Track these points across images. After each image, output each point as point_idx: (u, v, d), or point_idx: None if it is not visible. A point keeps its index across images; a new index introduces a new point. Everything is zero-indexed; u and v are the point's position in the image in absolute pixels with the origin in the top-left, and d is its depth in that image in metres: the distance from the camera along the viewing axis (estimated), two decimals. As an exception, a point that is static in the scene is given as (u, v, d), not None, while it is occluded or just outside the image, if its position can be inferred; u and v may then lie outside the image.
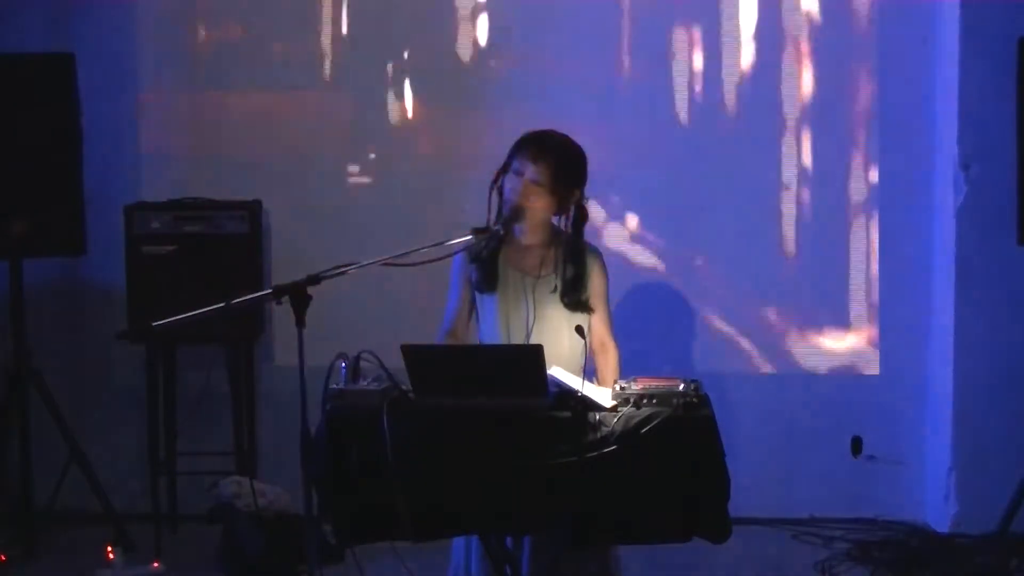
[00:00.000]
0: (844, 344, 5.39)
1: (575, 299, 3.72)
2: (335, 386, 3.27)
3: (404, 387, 3.26)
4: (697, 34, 5.32)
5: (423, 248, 3.44)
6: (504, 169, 3.72)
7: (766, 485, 5.28)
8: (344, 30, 5.43)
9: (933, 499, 5.29)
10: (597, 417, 3.19)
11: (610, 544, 3.59)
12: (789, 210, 5.37)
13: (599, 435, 3.16)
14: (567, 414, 3.20)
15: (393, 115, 5.44)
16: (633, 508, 3.18)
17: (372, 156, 5.48)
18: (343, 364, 3.27)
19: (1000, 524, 4.83)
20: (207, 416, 5.17)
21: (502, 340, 3.70)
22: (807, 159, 5.36)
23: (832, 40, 5.33)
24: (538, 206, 3.67)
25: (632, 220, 5.38)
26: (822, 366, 5.40)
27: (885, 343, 5.37)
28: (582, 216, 3.76)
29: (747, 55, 5.32)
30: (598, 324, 3.78)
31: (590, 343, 3.64)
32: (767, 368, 5.40)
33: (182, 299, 4.86)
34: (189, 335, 4.96)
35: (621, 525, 3.23)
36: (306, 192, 5.45)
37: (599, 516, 3.19)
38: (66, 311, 5.49)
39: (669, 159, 5.36)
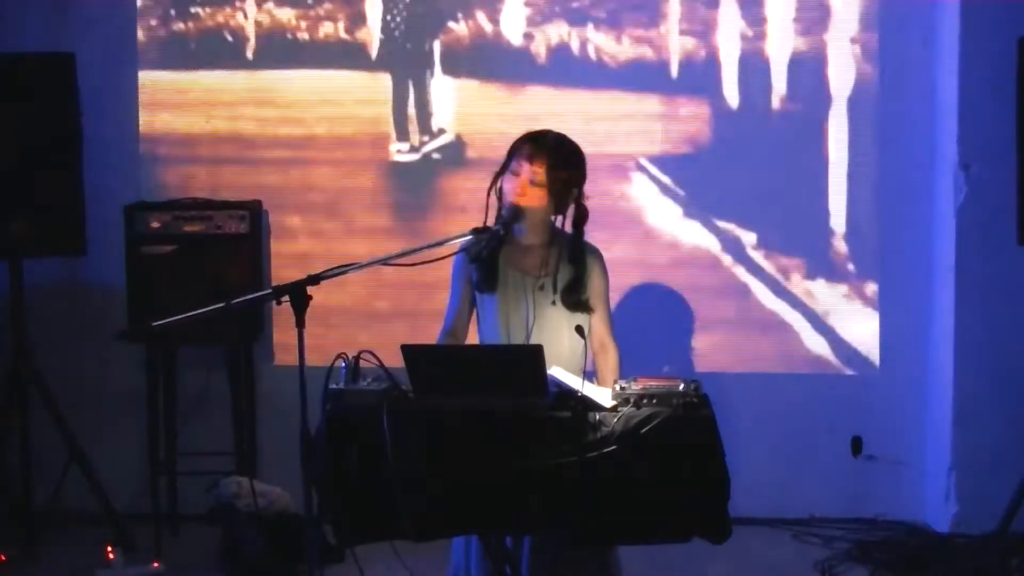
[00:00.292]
0: (844, 344, 5.39)
1: (575, 299, 3.72)
2: (335, 386, 3.27)
3: (404, 387, 3.26)
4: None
5: (423, 248, 3.44)
6: (502, 171, 3.72)
7: (766, 485, 5.29)
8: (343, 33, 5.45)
9: (933, 499, 5.29)
10: (597, 417, 3.19)
11: (610, 544, 3.60)
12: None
13: (599, 435, 3.16)
14: (567, 414, 3.19)
15: (393, 114, 5.46)
16: (633, 508, 3.18)
17: (373, 155, 5.48)
18: (343, 364, 3.27)
19: (1000, 524, 4.83)
20: (207, 416, 5.18)
21: (502, 340, 3.70)
22: (808, 159, 5.37)
23: (832, 39, 5.34)
24: (537, 206, 3.67)
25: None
26: (822, 366, 5.40)
27: (885, 343, 5.37)
28: (582, 214, 3.76)
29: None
30: (598, 324, 3.78)
31: (590, 343, 3.64)
32: (767, 368, 5.40)
33: (182, 299, 4.90)
34: (189, 335, 4.96)
35: (621, 525, 3.22)
36: (306, 192, 5.45)
37: (599, 516, 3.19)
38: (66, 311, 5.49)
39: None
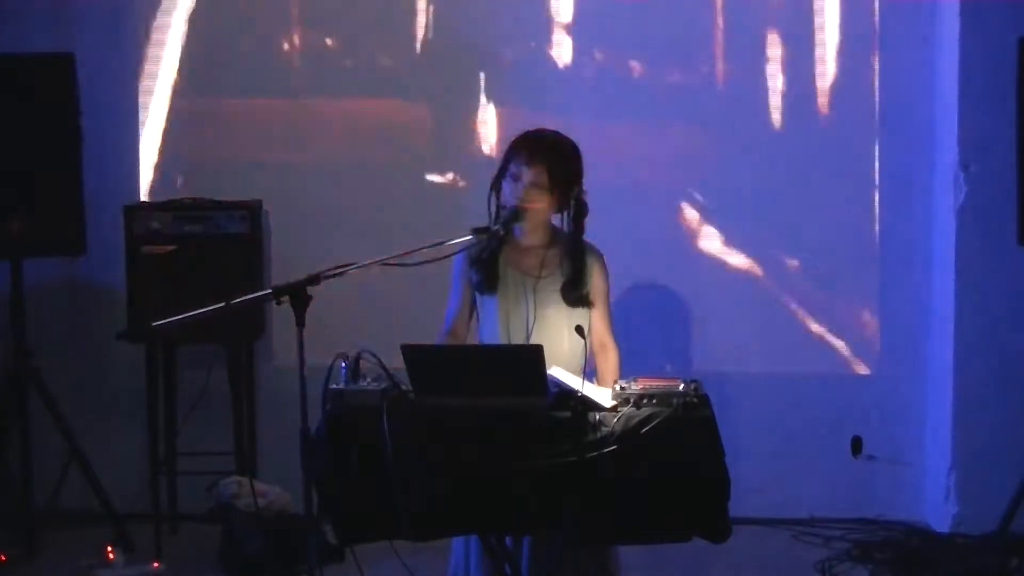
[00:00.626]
0: (844, 344, 5.39)
1: (575, 295, 3.72)
2: (335, 386, 3.27)
3: (404, 387, 3.26)
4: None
5: (423, 248, 3.44)
6: (501, 173, 3.72)
7: (766, 485, 5.29)
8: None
9: (933, 499, 5.29)
10: (597, 417, 3.19)
11: (610, 544, 3.60)
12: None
13: (599, 435, 3.16)
14: (567, 414, 3.20)
15: (394, 115, 5.46)
16: (633, 508, 3.18)
17: (372, 155, 5.48)
18: (343, 364, 3.27)
19: (1000, 524, 4.83)
20: (207, 416, 5.17)
21: (502, 340, 3.70)
22: (806, 158, 5.38)
23: (832, 39, 5.34)
24: (538, 207, 3.67)
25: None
26: (822, 366, 5.40)
27: (885, 343, 5.37)
28: (582, 211, 3.75)
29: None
30: (598, 324, 3.78)
31: (590, 343, 3.64)
32: (767, 368, 5.40)
33: (182, 299, 4.90)
34: (189, 335, 4.96)
35: (621, 525, 3.22)
36: (306, 192, 5.45)
37: (599, 516, 3.19)
38: (66, 311, 5.49)
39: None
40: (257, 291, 3.71)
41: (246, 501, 4.72)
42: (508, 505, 3.21)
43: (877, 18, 5.30)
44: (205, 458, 5.16)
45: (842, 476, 5.39)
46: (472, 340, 3.84)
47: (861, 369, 5.40)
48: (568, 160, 3.72)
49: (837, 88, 5.35)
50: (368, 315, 5.32)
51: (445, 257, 3.56)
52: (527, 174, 3.65)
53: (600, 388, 3.39)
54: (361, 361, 3.28)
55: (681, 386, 3.22)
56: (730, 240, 5.38)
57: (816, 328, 5.40)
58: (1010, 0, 5.00)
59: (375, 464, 3.18)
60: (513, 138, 3.77)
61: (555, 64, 5.38)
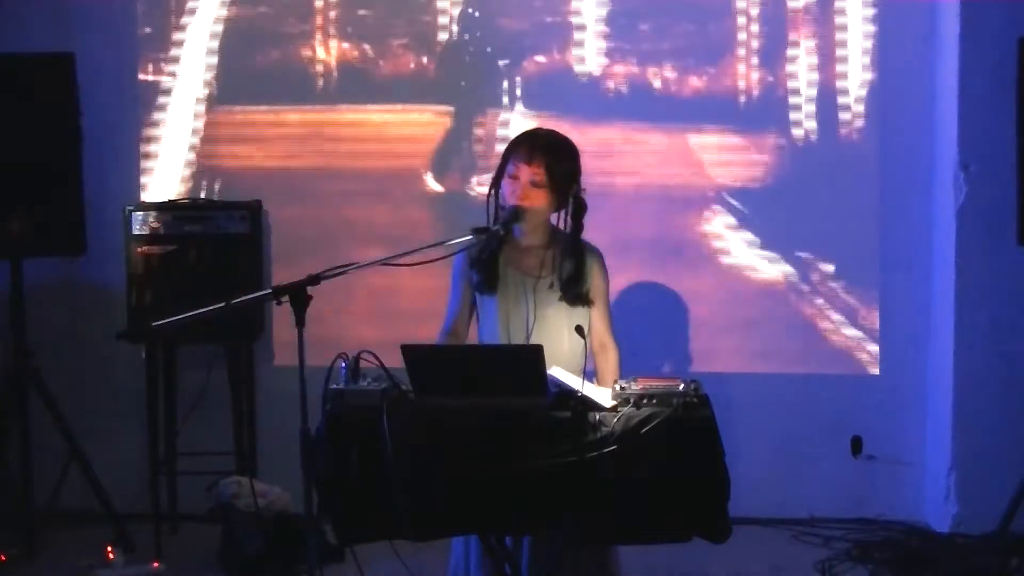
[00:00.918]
0: (844, 344, 5.39)
1: (575, 293, 3.72)
2: (335, 386, 3.27)
3: (404, 387, 3.26)
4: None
5: (423, 248, 3.44)
6: (500, 173, 3.72)
7: (766, 485, 5.29)
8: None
9: (933, 499, 5.29)
10: (597, 417, 3.19)
11: (610, 544, 3.60)
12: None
13: (599, 435, 3.16)
14: (567, 414, 3.19)
15: (394, 115, 5.46)
16: (633, 508, 3.18)
17: (372, 154, 5.48)
18: (343, 364, 3.27)
19: (1000, 524, 4.83)
20: (207, 416, 5.17)
21: (502, 341, 3.70)
22: (806, 158, 5.38)
23: (832, 40, 5.34)
24: (538, 206, 3.67)
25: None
26: (822, 366, 5.40)
27: (885, 343, 5.37)
28: (580, 208, 3.75)
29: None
30: (598, 324, 3.78)
31: (590, 343, 3.64)
32: (767, 368, 5.40)
33: (182, 299, 4.91)
34: (189, 335, 4.97)
35: (621, 525, 3.22)
36: (306, 192, 5.45)
37: (599, 516, 3.19)
38: (66, 311, 5.49)
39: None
40: (257, 291, 3.71)
41: (246, 501, 4.72)
42: (508, 505, 3.21)
43: (877, 18, 5.30)
44: (205, 458, 5.16)
45: (842, 476, 5.39)
46: (472, 340, 3.84)
47: (861, 369, 5.40)
48: (566, 158, 3.72)
49: (837, 88, 5.36)
50: (368, 315, 5.32)
51: (445, 257, 3.56)
52: (526, 172, 3.65)
53: (600, 388, 3.39)
54: (361, 361, 3.28)
55: (681, 386, 3.22)
56: (730, 240, 5.38)
57: (816, 328, 5.40)
58: (1010, 0, 5.00)
59: (375, 464, 3.18)
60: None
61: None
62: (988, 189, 5.03)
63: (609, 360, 3.80)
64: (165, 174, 5.46)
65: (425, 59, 5.42)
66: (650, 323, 5.36)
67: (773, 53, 5.35)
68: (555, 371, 3.29)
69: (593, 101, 5.37)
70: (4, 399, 4.99)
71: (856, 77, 5.34)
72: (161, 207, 5.09)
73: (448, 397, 3.22)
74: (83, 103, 4.96)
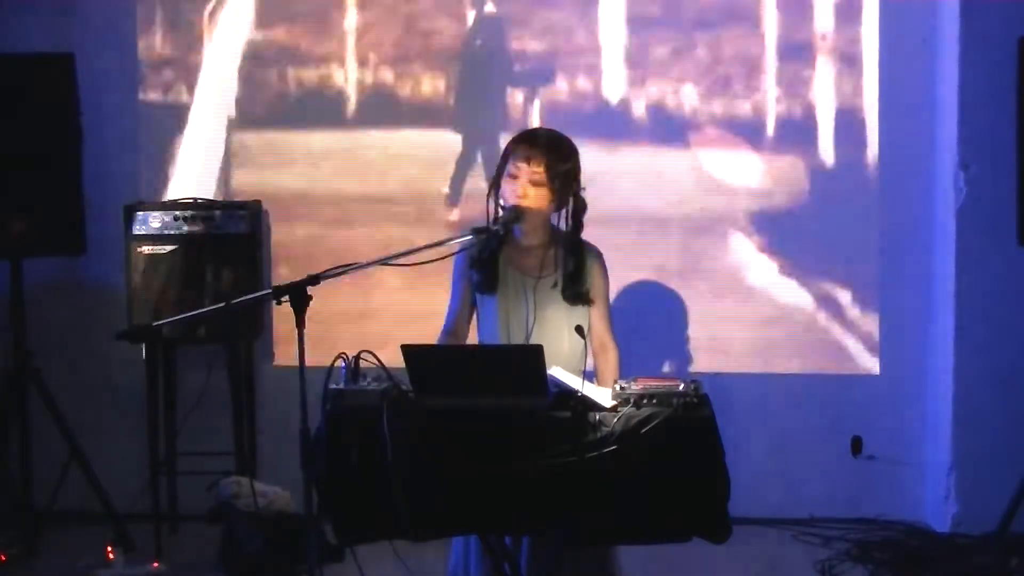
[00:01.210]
0: (844, 343, 5.39)
1: (575, 291, 3.72)
2: (335, 386, 3.26)
3: (404, 387, 3.26)
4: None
5: (423, 248, 3.44)
6: (499, 174, 3.72)
7: (766, 485, 5.29)
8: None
9: (933, 499, 5.29)
10: (597, 417, 3.19)
11: (610, 544, 3.60)
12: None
13: (599, 435, 3.16)
14: (567, 414, 3.19)
15: (392, 113, 5.47)
16: (633, 508, 3.18)
17: (374, 154, 5.48)
18: (343, 364, 3.27)
19: (1000, 524, 4.83)
20: (207, 416, 5.17)
21: (502, 341, 3.70)
22: (806, 158, 5.38)
23: (833, 39, 5.34)
24: (538, 206, 3.67)
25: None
26: (822, 366, 5.39)
27: (885, 343, 5.37)
28: (580, 206, 3.75)
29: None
30: (598, 324, 3.78)
31: (590, 343, 3.64)
32: (767, 368, 5.40)
33: (182, 299, 4.92)
34: (189, 335, 4.97)
35: (621, 525, 3.22)
36: (306, 192, 5.44)
37: (599, 516, 3.19)
38: (66, 311, 5.49)
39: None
40: (257, 291, 3.71)
41: (246, 501, 4.71)
42: (508, 505, 3.20)
43: (878, 18, 5.30)
44: (205, 458, 5.16)
45: (842, 476, 5.39)
46: (472, 340, 3.84)
47: (861, 369, 5.40)
48: (566, 156, 3.72)
49: (837, 88, 5.36)
50: (368, 315, 5.32)
51: (445, 257, 3.56)
52: (525, 171, 3.65)
53: (600, 388, 3.39)
54: (361, 361, 3.28)
55: (681, 386, 3.22)
56: (730, 240, 5.38)
57: (816, 328, 5.40)
58: (1010, 0, 5.00)
59: (375, 464, 3.18)
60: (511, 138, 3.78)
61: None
62: (988, 189, 5.03)
63: (609, 360, 3.80)
64: (167, 174, 5.47)
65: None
66: (650, 323, 5.36)
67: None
68: (555, 371, 3.29)
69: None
70: (4, 399, 4.99)
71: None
72: (161, 207, 5.09)
73: (448, 397, 3.21)
74: (83, 103, 4.96)
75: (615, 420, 3.17)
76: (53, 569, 4.89)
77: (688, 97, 5.37)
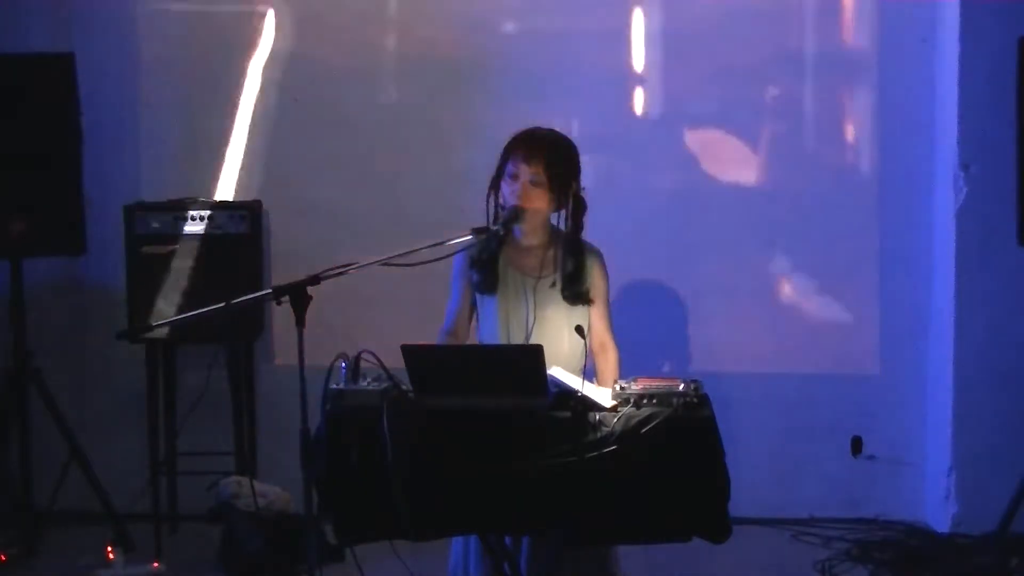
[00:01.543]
0: (844, 344, 5.39)
1: (575, 291, 3.72)
2: (335, 386, 3.26)
3: (404, 387, 3.26)
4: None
5: (423, 248, 3.43)
6: (499, 174, 3.72)
7: (766, 485, 5.29)
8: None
9: (933, 499, 5.29)
10: (597, 417, 3.19)
11: (610, 544, 3.60)
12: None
13: (599, 435, 3.16)
14: (567, 414, 3.20)
15: (391, 113, 5.47)
16: (633, 508, 3.18)
17: (372, 153, 5.48)
18: (343, 364, 3.27)
19: (1000, 524, 4.83)
20: (207, 416, 5.17)
21: (502, 341, 3.70)
22: (806, 159, 5.38)
23: (833, 40, 5.34)
24: (538, 206, 3.67)
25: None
26: (822, 366, 5.40)
27: (885, 343, 5.37)
28: (580, 206, 3.75)
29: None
30: (598, 324, 3.78)
31: (590, 343, 3.64)
32: (767, 368, 5.40)
33: (182, 299, 4.92)
34: (189, 335, 4.97)
35: (621, 525, 3.22)
36: (306, 192, 5.45)
37: (599, 516, 3.19)
38: (66, 311, 5.49)
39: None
40: (257, 291, 3.71)
41: (246, 501, 4.71)
42: (508, 505, 3.21)
43: (878, 19, 5.30)
44: (205, 458, 5.16)
45: (842, 476, 5.39)
46: (472, 340, 3.84)
47: (861, 369, 5.40)
48: (565, 156, 3.72)
49: (837, 88, 5.36)
50: (368, 315, 5.32)
51: (445, 257, 3.56)
52: (525, 172, 3.65)
53: (600, 388, 3.39)
54: (361, 361, 3.28)
55: (681, 386, 3.22)
56: (730, 240, 5.38)
57: (816, 328, 5.40)
58: (1010, 0, 5.00)
59: (375, 464, 3.18)
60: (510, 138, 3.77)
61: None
62: (988, 189, 5.03)
63: (609, 360, 3.80)
64: (167, 174, 5.47)
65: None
66: (650, 323, 5.36)
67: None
68: (555, 371, 3.29)
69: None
70: (4, 399, 4.99)
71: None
72: (161, 207, 5.09)
73: (448, 397, 3.22)
74: (83, 103, 4.96)
75: (615, 420, 3.18)
76: (53, 569, 4.89)
77: (688, 97, 5.37)
